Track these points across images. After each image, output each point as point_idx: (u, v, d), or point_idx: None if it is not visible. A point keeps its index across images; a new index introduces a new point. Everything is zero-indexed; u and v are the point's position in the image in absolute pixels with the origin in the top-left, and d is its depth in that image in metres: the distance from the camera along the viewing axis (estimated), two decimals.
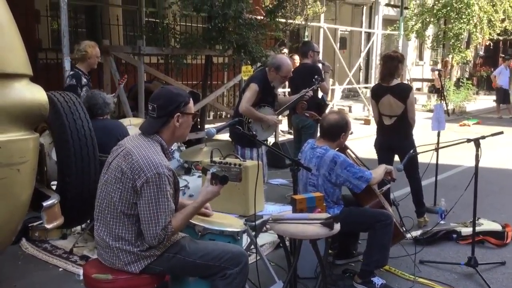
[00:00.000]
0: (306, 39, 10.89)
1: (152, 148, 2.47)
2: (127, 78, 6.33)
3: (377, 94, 4.92)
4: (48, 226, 3.02)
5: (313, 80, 5.16)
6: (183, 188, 4.39)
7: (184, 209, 2.58)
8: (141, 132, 2.57)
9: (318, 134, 3.99)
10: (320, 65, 6.12)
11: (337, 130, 3.70)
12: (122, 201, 2.43)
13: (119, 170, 2.44)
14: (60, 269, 3.94)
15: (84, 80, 5.10)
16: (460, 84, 15.89)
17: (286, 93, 9.03)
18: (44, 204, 2.99)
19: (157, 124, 2.52)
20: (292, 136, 9.42)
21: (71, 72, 5.19)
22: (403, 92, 4.78)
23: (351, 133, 3.85)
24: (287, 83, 7.08)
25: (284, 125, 10.64)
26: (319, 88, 5.83)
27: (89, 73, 5.32)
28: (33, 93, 2.79)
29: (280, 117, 5.06)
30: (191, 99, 2.59)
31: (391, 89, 4.78)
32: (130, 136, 2.63)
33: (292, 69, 5.40)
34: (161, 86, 3.03)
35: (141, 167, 2.38)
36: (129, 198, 2.42)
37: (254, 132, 4.50)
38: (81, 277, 3.48)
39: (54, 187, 3.47)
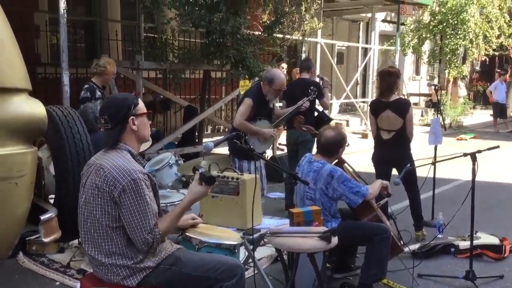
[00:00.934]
0: (303, 54, 10.98)
1: (121, 157, 2.47)
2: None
3: (376, 109, 4.96)
4: (46, 240, 3.01)
5: (309, 91, 5.21)
6: (180, 202, 4.38)
7: (171, 211, 2.59)
8: (105, 149, 2.56)
9: (315, 148, 4.01)
10: (318, 80, 6.16)
11: (334, 146, 3.73)
12: (104, 215, 2.42)
13: (94, 186, 2.43)
14: (57, 283, 3.92)
15: (98, 94, 5.18)
16: (457, 98, 16.01)
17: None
18: (42, 217, 2.98)
19: (115, 134, 2.51)
20: None
21: (86, 86, 5.28)
22: (403, 107, 4.82)
23: (348, 145, 3.87)
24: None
25: (282, 138, 10.66)
26: (319, 104, 5.87)
27: (103, 87, 5.40)
28: (32, 108, 2.80)
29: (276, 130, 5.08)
30: (139, 99, 2.59)
31: (390, 104, 4.82)
32: (96, 154, 2.62)
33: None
34: (105, 97, 3.03)
35: (114, 177, 2.38)
36: (111, 212, 2.41)
37: (251, 145, 4.53)
38: None
39: (52, 201, 3.46)
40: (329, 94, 6.66)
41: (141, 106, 2.58)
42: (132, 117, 2.51)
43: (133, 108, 2.52)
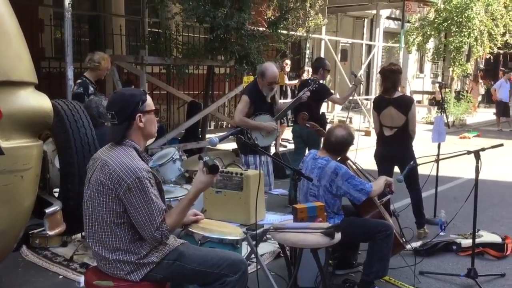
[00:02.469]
0: (307, 51, 10.99)
1: (126, 154, 2.46)
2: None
3: (379, 105, 4.97)
4: (50, 233, 3.04)
5: (309, 81, 5.27)
6: (186, 194, 4.40)
7: (178, 204, 2.58)
8: (111, 144, 2.55)
9: (321, 145, 4.02)
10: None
11: (344, 146, 3.73)
12: (109, 212, 2.43)
13: (99, 183, 2.43)
14: (60, 277, 3.94)
15: (91, 89, 5.14)
16: (461, 97, 15.98)
17: None
18: (47, 211, 3.01)
19: (121, 130, 2.50)
20: (292, 146, 9.45)
21: (79, 81, 5.21)
22: (405, 104, 4.82)
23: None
24: None
25: (285, 134, 10.66)
26: (326, 102, 5.99)
27: (96, 82, 5.37)
28: (37, 101, 2.83)
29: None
30: (147, 96, 2.57)
31: (393, 101, 4.83)
32: (102, 148, 2.61)
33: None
34: (113, 92, 3.02)
35: (119, 175, 2.38)
36: (115, 208, 2.42)
37: (254, 140, 4.57)
38: (82, 285, 3.50)
39: (56, 194, 3.49)
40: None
41: (149, 103, 2.56)
42: (139, 114, 2.50)
43: (141, 105, 2.51)
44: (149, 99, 2.57)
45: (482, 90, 17.56)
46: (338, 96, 5.96)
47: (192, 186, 2.59)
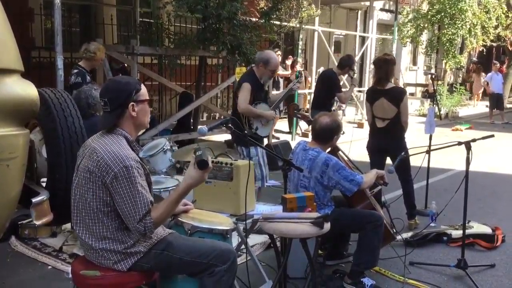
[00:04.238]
0: (300, 42, 10.96)
1: (116, 142, 2.42)
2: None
3: (371, 96, 4.96)
4: (37, 223, 3.00)
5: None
6: (175, 187, 4.37)
7: (166, 198, 2.53)
8: (102, 132, 2.51)
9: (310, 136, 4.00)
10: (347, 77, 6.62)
11: (329, 133, 3.70)
12: (95, 200, 2.39)
13: (87, 170, 2.40)
14: (50, 267, 3.92)
15: (88, 78, 5.14)
16: (453, 89, 16.00)
17: None
18: (34, 200, 2.97)
19: (113, 118, 2.46)
20: (284, 138, 9.46)
21: (76, 70, 5.19)
22: (397, 96, 4.81)
23: (343, 133, 3.86)
24: None
25: (278, 126, 10.67)
26: (336, 97, 6.17)
27: (91, 71, 5.38)
28: (24, 89, 2.77)
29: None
30: (142, 85, 2.53)
31: (385, 92, 4.81)
32: (93, 136, 2.56)
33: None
34: (108, 79, 2.97)
35: (107, 163, 2.34)
36: (102, 196, 2.39)
37: (255, 129, 4.59)
38: (70, 275, 3.47)
39: (44, 184, 3.45)
40: (352, 92, 6.96)
41: (143, 92, 2.52)
42: (132, 103, 2.46)
43: (135, 93, 2.46)
44: (143, 88, 2.53)
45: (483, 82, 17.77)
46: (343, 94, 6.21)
47: (183, 181, 2.52)
